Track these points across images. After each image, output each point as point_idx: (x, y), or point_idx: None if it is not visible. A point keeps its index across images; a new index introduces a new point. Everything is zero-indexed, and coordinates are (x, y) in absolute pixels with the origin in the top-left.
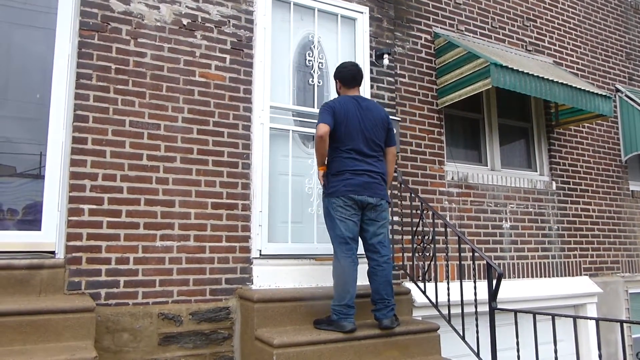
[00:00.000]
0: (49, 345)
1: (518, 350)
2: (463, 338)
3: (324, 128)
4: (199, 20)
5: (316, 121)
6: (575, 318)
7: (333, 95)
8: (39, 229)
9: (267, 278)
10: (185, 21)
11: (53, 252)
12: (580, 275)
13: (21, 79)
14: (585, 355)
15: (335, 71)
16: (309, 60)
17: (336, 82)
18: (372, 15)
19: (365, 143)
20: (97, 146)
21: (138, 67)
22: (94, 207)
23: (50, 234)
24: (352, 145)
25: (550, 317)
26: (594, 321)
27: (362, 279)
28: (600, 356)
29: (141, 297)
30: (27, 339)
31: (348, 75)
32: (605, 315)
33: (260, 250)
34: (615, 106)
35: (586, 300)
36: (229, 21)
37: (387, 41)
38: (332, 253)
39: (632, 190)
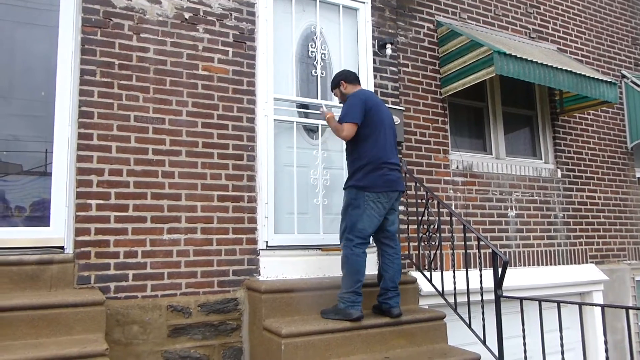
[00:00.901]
0: (60, 339)
1: (524, 338)
2: (469, 326)
3: (352, 129)
4: (201, 13)
5: (321, 112)
6: (580, 305)
7: None
8: (48, 225)
9: (274, 269)
10: (187, 15)
11: (62, 247)
12: (587, 263)
13: (25, 77)
14: (591, 343)
15: (334, 78)
16: (312, 52)
17: (340, 85)
18: (374, 5)
19: (392, 135)
20: (103, 141)
21: (141, 62)
22: (101, 202)
23: (59, 230)
24: (382, 136)
25: (556, 304)
26: (599, 308)
27: (368, 269)
28: (606, 343)
29: (150, 290)
30: (39, 333)
31: (350, 73)
32: (612, 303)
33: (266, 242)
34: (621, 92)
35: (592, 288)
36: (231, 14)
37: (390, 31)
38: (338, 244)
39: (638, 177)
